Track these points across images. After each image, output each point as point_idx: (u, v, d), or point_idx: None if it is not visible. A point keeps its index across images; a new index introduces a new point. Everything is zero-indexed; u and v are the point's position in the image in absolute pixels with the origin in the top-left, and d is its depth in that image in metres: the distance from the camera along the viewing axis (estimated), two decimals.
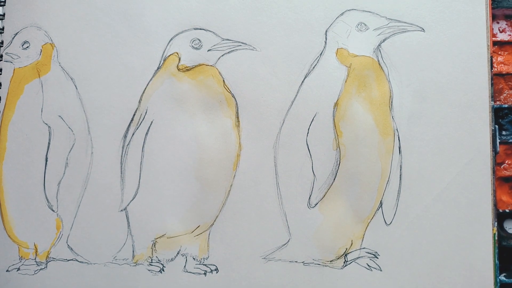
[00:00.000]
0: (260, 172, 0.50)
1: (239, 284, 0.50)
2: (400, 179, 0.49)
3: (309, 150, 0.50)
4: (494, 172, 0.48)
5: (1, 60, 0.54)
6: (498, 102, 0.53)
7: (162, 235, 0.51)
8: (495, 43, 0.54)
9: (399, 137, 0.49)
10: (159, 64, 0.52)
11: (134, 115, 0.51)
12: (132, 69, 0.52)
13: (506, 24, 0.54)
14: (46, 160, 0.52)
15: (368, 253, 0.49)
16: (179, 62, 0.51)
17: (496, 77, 0.53)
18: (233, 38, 0.51)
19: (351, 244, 0.49)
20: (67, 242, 0.51)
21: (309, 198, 0.50)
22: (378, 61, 0.50)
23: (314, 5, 0.51)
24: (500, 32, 0.54)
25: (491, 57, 0.49)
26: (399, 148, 0.49)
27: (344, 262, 0.49)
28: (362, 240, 0.49)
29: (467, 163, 0.49)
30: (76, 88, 0.52)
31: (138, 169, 0.51)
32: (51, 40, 0.53)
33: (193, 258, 0.50)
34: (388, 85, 0.50)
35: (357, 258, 0.49)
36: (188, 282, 0.50)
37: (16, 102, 0.53)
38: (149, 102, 0.51)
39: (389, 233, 0.49)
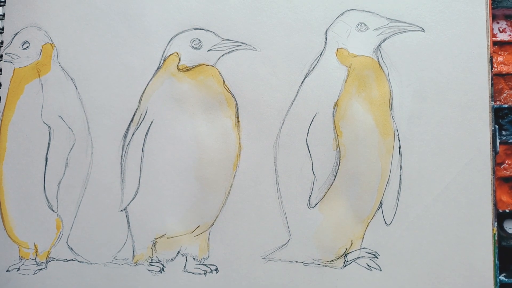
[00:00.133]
0: (260, 172, 0.50)
1: (239, 284, 0.50)
2: (400, 179, 0.49)
3: (309, 150, 0.50)
4: (494, 172, 0.48)
5: (1, 60, 0.54)
6: (498, 102, 0.53)
7: (162, 235, 0.51)
8: (495, 43, 0.54)
9: (399, 137, 0.49)
10: (159, 64, 0.52)
11: (134, 115, 0.51)
12: (132, 69, 0.52)
13: (506, 24, 0.54)
14: (46, 160, 0.52)
15: (368, 253, 0.49)
16: (179, 62, 0.51)
17: (496, 77, 0.53)
18: (233, 38, 0.51)
19: (351, 244, 0.49)
20: (67, 242, 0.51)
21: (309, 198, 0.50)
22: (378, 61, 0.50)
23: (314, 5, 0.51)
24: (500, 32, 0.54)
25: (491, 57, 0.49)
26: (399, 148, 0.49)
27: (344, 262, 0.49)
28: (362, 240, 0.49)
29: (467, 163, 0.48)
30: (76, 88, 0.52)
31: (138, 169, 0.51)
32: (51, 40, 0.53)
33: (193, 258, 0.50)
34: (388, 85, 0.50)
35: (357, 258, 0.49)
36: (188, 282, 0.50)
37: (16, 102, 0.53)
38: (149, 102, 0.51)
39: (389, 233, 0.49)
